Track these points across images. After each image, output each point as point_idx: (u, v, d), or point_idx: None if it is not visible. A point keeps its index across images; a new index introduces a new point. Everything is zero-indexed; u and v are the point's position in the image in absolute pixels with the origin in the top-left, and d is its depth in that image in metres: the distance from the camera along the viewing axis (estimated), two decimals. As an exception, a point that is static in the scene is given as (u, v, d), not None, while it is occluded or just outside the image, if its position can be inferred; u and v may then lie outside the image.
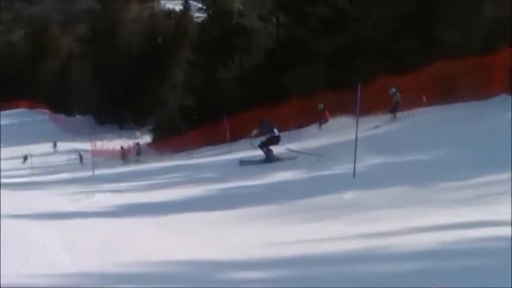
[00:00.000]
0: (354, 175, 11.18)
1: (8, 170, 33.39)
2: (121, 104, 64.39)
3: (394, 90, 21.71)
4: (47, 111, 79.27)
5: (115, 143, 50.64)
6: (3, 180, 22.33)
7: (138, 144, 45.42)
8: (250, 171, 14.84)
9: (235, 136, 28.98)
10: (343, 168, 12.01)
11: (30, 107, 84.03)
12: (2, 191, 14.48)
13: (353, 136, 11.73)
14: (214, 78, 40.55)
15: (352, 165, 11.33)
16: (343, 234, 7.00)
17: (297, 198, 9.84)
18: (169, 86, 56.72)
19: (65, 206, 11.66)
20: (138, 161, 36.23)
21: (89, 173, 22.67)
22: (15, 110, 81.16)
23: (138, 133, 60.77)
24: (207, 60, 42.69)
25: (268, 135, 16.85)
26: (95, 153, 33.53)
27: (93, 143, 36.60)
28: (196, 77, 43.88)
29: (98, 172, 22.73)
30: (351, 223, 7.54)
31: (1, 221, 8.91)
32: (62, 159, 45.79)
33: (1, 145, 49.95)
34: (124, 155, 41.95)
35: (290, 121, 28.26)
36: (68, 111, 79.73)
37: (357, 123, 12.00)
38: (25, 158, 45.71)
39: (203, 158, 23.51)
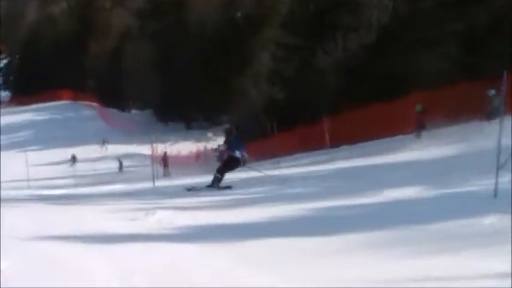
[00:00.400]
0: (495, 195, 10.92)
1: (45, 178, 34.93)
2: (189, 98, 64.08)
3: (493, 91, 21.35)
4: (95, 104, 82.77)
5: (180, 146, 51.84)
6: (41, 192, 23.25)
7: (217, 148, 45.84)
8: (358, 187, 14.75)
9: (337, 140, 28.90)
10: (478, 185, 11.81)
11: (75, 99, 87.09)
12: (39, 204, 14.92)
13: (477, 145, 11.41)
14: (310, 64, 40.47)
15: (489, 182, 11.06)
16: (483, 271, 6.78)
17: (420, 223, 9.68)
18: (251, 75, 56.10)
19: (117, 227, 11.97)
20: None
21: (147, 185, 23.28)
22: (56, 103, 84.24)
23: (209, 134, 61.08)
24: (301, 42, 42.64)
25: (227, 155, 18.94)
26: (155, 159, 34.49)
27: (153, 145, 37.09)
28: (287, 63, 43.86)
29: (159, 184, 23.39)
30: (491, 256, 7.30)
31: (38, 243, 9.12)
32: (113, 166, 48.09)
33: (38, 147, 52.46)
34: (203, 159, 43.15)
35: (409, 123, 27.87)
36: (122, 106, 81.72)
37: (501, 126, 11.72)
38: (73, 159, 47.86)
39: (295, 168, 23.47)
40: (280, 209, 12.76)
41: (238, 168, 20.02)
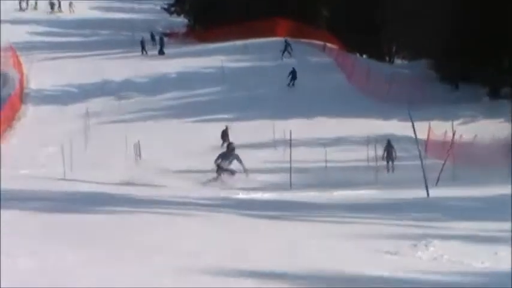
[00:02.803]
0: None
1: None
2: (496, 46, 45.14)
3: None
4: (330, 47, 59.27)
5: (480, 128, 38.43)
6: (235, 195, 18.75)
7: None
8: None
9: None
10: None
11: (294, 35, 60.06)
12: (231, 217, 12.22)
13: None
14: None
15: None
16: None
17: None
18: None
19: (363, 264, 7.97)
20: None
21: (417, 193, 17.37)
22: (262, 40, 59.25)
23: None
24: None
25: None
26: (432, 148, 27.15)
27: (430, 125, 27.98)
28: None
29: (436, 192, 17.47)
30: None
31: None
32: (359, 155, 32.94)
33: (230, 115, 41.18)
34: None
35: None
36: (377, 52, 63.04)
37: None
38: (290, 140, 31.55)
39: None
40: None
41: None
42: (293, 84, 50.39)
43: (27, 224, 10.10)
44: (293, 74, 50.72)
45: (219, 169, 24.68)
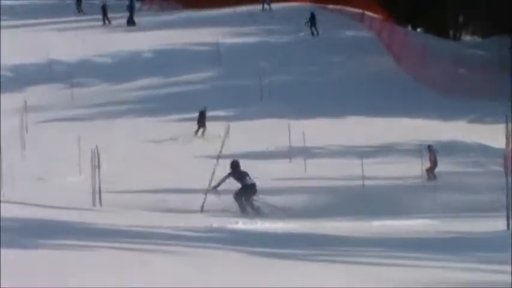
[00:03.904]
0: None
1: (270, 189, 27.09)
2: None
3: None
4: (373, 16, 62.85)
5: None
6: (251, 224, 18.86)
7: None
8: None
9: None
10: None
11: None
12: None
13: None
14: None
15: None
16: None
17: None
18: None
19: None
20: None
21: (477, 226, 17.53)
22: (277, 5, 62.07)
23: None
24: None
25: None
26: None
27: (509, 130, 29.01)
28: None
29: None
30: None
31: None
32: (410, 170, 32.87)
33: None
34: None
35: None
36: (440, 26, 64.89)
37: None
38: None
39: None
40: None
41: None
42: (317, 33, 51.02)
43: None
44: (312, 20, 51.34)
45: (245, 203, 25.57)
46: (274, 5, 60.64)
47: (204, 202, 24.90)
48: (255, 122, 40.28)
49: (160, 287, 9.74)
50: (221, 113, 40.65)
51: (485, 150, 26.92)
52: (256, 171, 27.67)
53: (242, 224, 19.00)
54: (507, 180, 18.37)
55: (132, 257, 11.94)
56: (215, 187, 25.81)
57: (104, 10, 59.83)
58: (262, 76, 46.68)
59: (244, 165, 25.89)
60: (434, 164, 33.08)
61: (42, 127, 40.17)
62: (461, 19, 70.66)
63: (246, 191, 25.42)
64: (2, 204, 22.34)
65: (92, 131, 36.19)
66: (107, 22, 59.87)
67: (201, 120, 38.42)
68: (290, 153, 34.64)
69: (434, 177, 32.34)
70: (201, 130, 38.85)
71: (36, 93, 45.78)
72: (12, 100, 44.21)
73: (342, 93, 45.30)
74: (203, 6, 60.93)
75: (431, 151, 33.36)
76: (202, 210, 24.43)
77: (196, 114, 39.93)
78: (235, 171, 25.95)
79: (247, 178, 25.60)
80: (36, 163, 32.37)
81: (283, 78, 48.10)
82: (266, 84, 46.35)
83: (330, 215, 22.89)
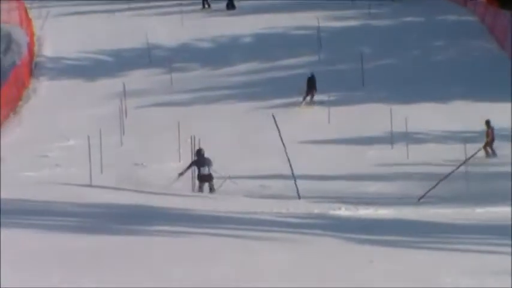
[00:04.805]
0: None
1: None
2: None
3: None
4: (483, 2, 60.24)
5: None
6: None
7: None
8: None
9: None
10: None
11: None
12: None
13: None
14: None
15: None
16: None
17: None
18: None
19: None
20: None
21: None
22: None
23: None
24: None
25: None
26: None
27: None
28: None
29: None
30: None
31: None
32: None
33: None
34: None
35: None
36: None
37: None
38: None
39: None
40: None
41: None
42: None
43: (30, 253, 10.08)
44: None
45: None
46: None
47: (297, 189, 24.70)
48: (356, 107, 39.93)
49: (269, 276, 9.64)
50: (322, 97, 40.48)
51: None
52: (357, 156, 27.44)
53: (345, 210, 18.81)
54: None
55: (238, 245, 11.84)
56: (181, 174, 27.20)
57: (204, -8, 59.49)
58: (363, 60, 46.22)
59: (345, 148, 25.58)
60: (492, 139, 33.35)
61: (142, 112, 40.13)
62: None
63: (204, 179, 27.28)
64: (97, 189, 22.50)
65: (191, 117, 36.13)
66: (206, 6, 59.47)
67: (311, 87, 37.73)
68: (391, 138, 34.41)
69: (493, 152, 32.76)
70: (308, 97, 38.53)
71: (135, 78, 45.74)
72: (111, 85, 44.34)
73: (444, 78, 44.59)
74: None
75: (489, 126, 33.88)
76: (299, 197, 24.00)
77: (296, 99, 39.84)
78: (199, 159, 27.77)
79: (206, 168, 27.41)
80: (135, 148, 32.46)
81: (385, 62, 47.64)
82: (368, 69, 46.00)
83: (431, 201, 22.82)
